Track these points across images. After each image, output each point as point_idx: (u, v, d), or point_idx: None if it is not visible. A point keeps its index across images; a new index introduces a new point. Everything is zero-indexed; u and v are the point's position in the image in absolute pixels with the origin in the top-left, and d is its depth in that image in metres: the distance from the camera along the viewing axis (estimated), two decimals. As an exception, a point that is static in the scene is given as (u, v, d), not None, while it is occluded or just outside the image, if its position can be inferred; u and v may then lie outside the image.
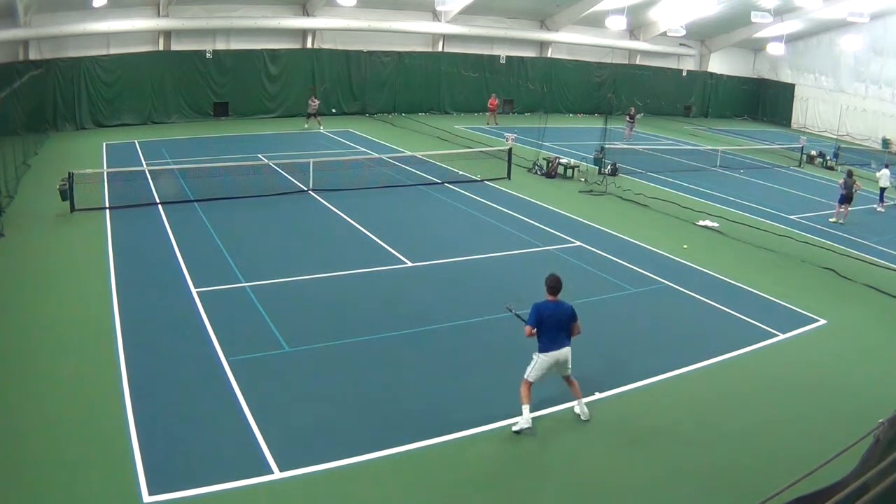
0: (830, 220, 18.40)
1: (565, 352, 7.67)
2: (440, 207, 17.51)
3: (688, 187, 21.31)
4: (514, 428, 7.58)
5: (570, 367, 7.78)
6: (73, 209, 15.06)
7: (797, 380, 9.41)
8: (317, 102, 28.28)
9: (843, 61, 39.05)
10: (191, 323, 9.87)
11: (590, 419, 7.87)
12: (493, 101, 32.87)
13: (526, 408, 7.62)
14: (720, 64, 43.44)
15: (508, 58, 36.47)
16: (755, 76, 44.83)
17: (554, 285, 7.69)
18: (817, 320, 11.38)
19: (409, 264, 12.95)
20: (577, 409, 7.95)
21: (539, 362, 7.63)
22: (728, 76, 43.72)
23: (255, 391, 8.06)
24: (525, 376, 7.69)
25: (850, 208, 18.34)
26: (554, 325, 7.58)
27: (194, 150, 22.58)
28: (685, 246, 15.01)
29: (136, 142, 23.88)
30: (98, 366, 8.56)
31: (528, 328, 7.58)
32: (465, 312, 10.74)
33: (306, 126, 27.96)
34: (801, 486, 3.71)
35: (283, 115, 30.60)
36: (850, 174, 18.64)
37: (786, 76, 42.92)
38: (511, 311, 8.22)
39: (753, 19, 32.22)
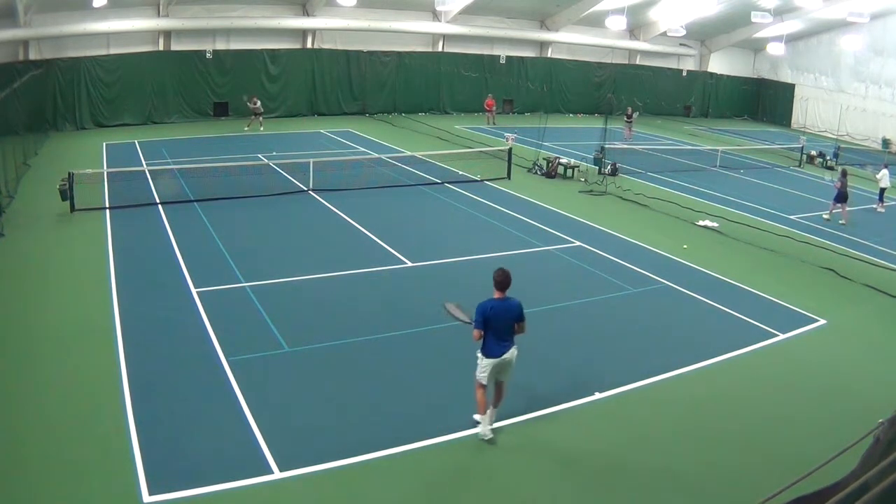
0: (824, 216, 18.52)
1: (512, 352, 7.24)
2: (440, 207, 17.51)
3: (688, 187, 21.31)
4: (479, 427, 7.36)
5: (511, 372, 7.36)
6: (73, 209, 15.06)
7: (797, 380, 9.41)
8: (258, 102, 27.36)
9: (843, 61, 39.03)
10: (191, 323, 9.87)
11: (491, 439, 7.36)
12: (490, 102, 32.76)
13: (482, 418, 7.34)
14: (720, 64, 43.44)
15: (508, 58, 36.47)
16: (755, 76, 44.83)
17: (502, 280, 7.19)
18: (817, 320, 11.38)
19: (409, 264, 12.95)
20: (480, 417, 7.44)
21: (483, 364, 7.24)
22: (728, 76, 43.72)
23: (255, 391, 8.06)
24: (477, 378, 7.35)
25: (847, 207, 18.32)
26: (500, 325, 7.11)
27: (194, 150, 22.58)
28: (685, 246, 15.01)
29: (136, 142, 23.89)
30: (98, 366, 8.56)
31: (475, 332, 7.11)
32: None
33: (246, 129, 27.06)
34: (801, 486, 3.71)
35: (283, 115, 30.62)
36: (844, 173, 18.74)
37: (786, 76, 42.91)
38: (449, 313, 7.56)
39: (753, 19, 32.20)
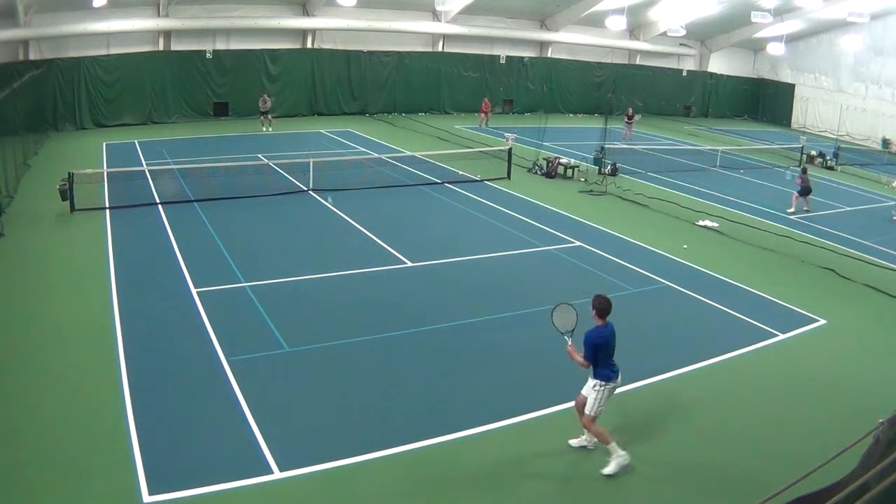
0: (788, 210, 19.05)
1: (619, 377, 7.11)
2: (440, 207, 17.51)
3: (688, 187, 21.31)
4: (606, 471, 6.92)
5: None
6: (73, 209, 15.06)
7: (797, 380, 9.41)
8: (269, 102, 27.37)
9: (843, 61, 39.04)
10: (191, 323, 9.87)
11: (595, 448, 7.34)
12: (487, 105, 32.61)
13: (614, 445, 6.96)
14: (720, 64, 43.44)
15: (508, 58, 36.47)
16: (755, 76, 44.83)
17: (605, 307, 6.95)
18: (817, 320, 11.38)
19: (409, 264, 12.95)
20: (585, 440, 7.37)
21: (604, 394, 6.96)
22: (728, 76, 43.71)
23: (255, 391, 8.06)
24: (590, 413, 7.00)
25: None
26: (609, 352, 6.97)
27: (194, 150, 22.58)
28: (685, 246, 15.01)
29: (136, 142, 23.89)
30: (98, 366, 8.56)
31: (585, 363, 6.91)
32: (466, 312, 10.74)
33: (270, 129, 27.13)
34: (801, 486, 3.71)
35: (284, 115, 30.57)
36: (804, 171, 19.83)
37: (786, 76, 42.90)
38: (552, 323, 7.13)
39: (753, 19, 32.21)
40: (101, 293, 10.80)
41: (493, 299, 11.43)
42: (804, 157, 28.16)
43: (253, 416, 7.54)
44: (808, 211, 19.06)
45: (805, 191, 19.17)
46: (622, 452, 6.98)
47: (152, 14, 26.99)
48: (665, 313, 11.46)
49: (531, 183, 20.74)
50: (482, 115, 32.39)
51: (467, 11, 32.90)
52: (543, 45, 37.81)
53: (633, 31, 38.90)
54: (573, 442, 7.44)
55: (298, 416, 7.74)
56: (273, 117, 27.91)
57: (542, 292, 11.83)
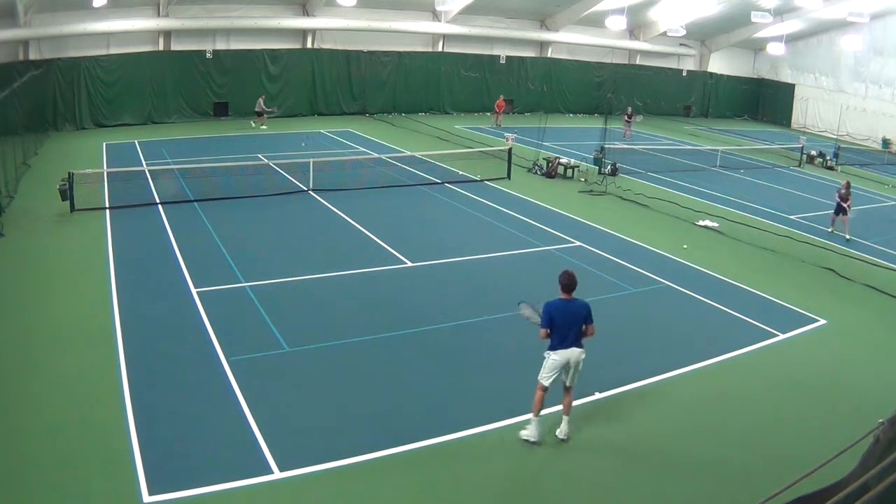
0: (829, 230, 17.22)
1: (577, 353, 7.28)
2: (440, 207, 17.51)
3: (688, 187, 21.31)
4: (523, 434, 7.41)
5: (577, 375, 7.42)
6: (73, 209, 15.06)
7: (797, 380, 9.41)
8: (265, 107, 27.71)
9: (843, 61, 39.04)
10: (191, 323, 9.87)
11: (567, 439, 7.51)
12: (501, 104, 32.63)
13: (536, 420, 7.34)
14: (720, 64, 43.43)
15: (508, 58, 36.47)
16: (755, 76, 44.82)
17: (567, 283, 7.37)
18: (817, 320, 11.39)
19: (409, 264, 12.95)
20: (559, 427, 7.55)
21: (550, 362, 7.28)
22: (728, 76, 43.71)
23: (255, 391, 8.06)
24: (539, 378, 7.37)
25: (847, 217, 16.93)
26: (564, 324, 7.23)
27: (194, 150, 22.58)
28: (685, 246, 15.01)
29: (136, 142, 23.89)
30: (98, 366, 8.56)
31: (542, 331, 7.26)
32: (465, 312, 10.74)
33: (263, 127, 27.49)
34: (801, 486, 3.71)
35: (284, 115, 30.58)
36: (847, 186, 17.17)
37: (786, 76, 42.90)
38: (522, 314, 7.86)
39: (753, 19, 32.20)
40: (101, 293, 10.80)
41: (493, 299, 11.42)
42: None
43: (253, 416, 7.54)
44: (835, 232, 17.07)
45: (839, 209, 16.85)
46: (535, 431, 7.34)
47: (152, 14, 26.99)
48: (665, 313, 11.46)
49: (531, 183, 20.74)
50: (496, 114, 32.23)
51: (467, 11, 32.88)
52: (543, 45, 37.80)
53: (633, 31, 38.89)
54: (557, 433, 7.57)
55: (298, 416, 7.74)
56: (274, 117, 27.93)
57: (542, 292, 11.79)
